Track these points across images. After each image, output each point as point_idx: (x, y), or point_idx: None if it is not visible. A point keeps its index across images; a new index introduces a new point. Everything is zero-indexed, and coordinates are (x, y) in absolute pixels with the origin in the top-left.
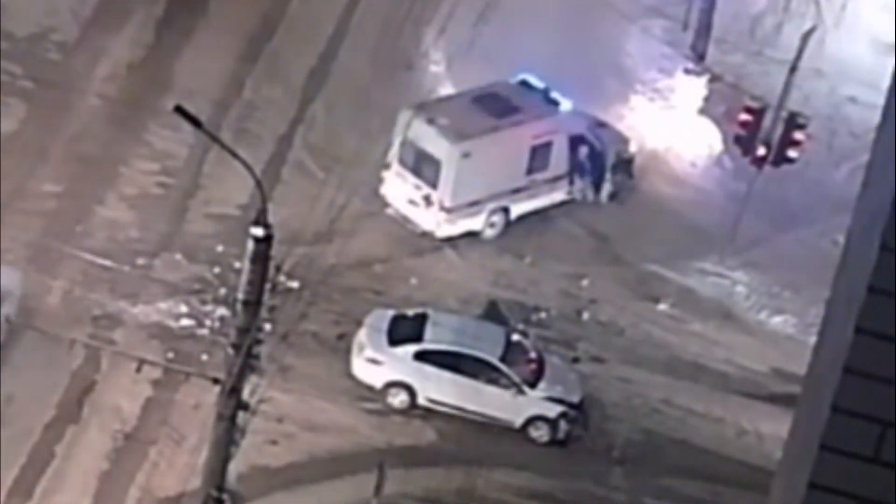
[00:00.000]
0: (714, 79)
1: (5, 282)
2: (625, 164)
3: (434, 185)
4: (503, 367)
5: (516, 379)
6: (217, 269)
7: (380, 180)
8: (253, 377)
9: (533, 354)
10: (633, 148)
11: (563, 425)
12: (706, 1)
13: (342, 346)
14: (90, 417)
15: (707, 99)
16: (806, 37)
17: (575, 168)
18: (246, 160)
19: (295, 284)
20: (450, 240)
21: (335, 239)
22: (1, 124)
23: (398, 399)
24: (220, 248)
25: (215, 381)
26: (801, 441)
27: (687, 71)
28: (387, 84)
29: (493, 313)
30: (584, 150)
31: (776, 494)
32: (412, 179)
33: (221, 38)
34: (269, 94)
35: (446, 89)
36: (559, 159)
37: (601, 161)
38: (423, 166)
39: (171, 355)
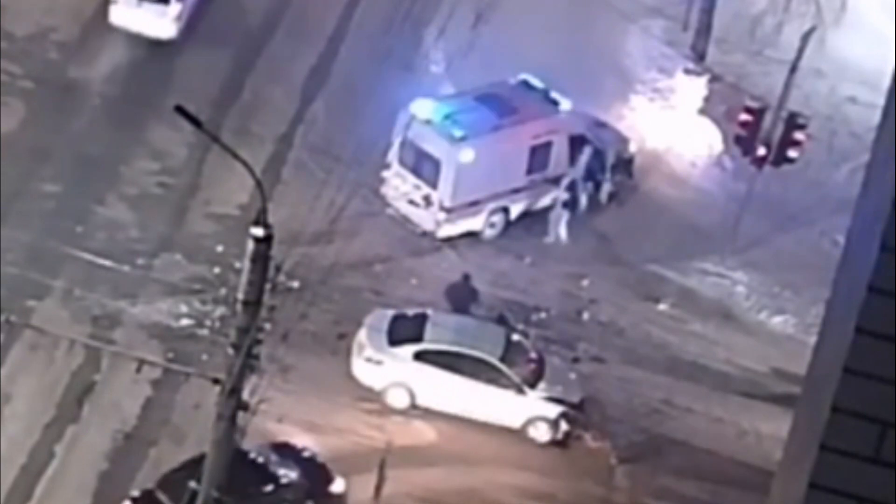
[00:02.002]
0: (714, 79)
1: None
2: (625, 164)
3: (434, 185)
4: (503, 367)
5: (516, 379)
6: (217, 269)
7: (380, 180)
8: (253, 377)
9: (533, 354)
10: (633, 148)
11: (563, 425)
12: (706, 1)
13: (342, 346)
14: (90, 417)
15: (707, 99)
16: (806, 37)
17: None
18: (246, 160)
19: (295, 284)
20: (450, 240)
21: (335, 239)
22: (1, 124)
23: (398, 399)
24: (220, 248)
25: (215, 381)
26: (801, 441)
27: (687, 71)
28: (387, 84)
29: (464, 286)
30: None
31: (776, 494)
32: (412, 179)
33: (221, 38)
34: (269, 94)
35: (446, 89)
36: (559, 159)
37: (600, 166)
38: (423, 166)
39: (171, 355)
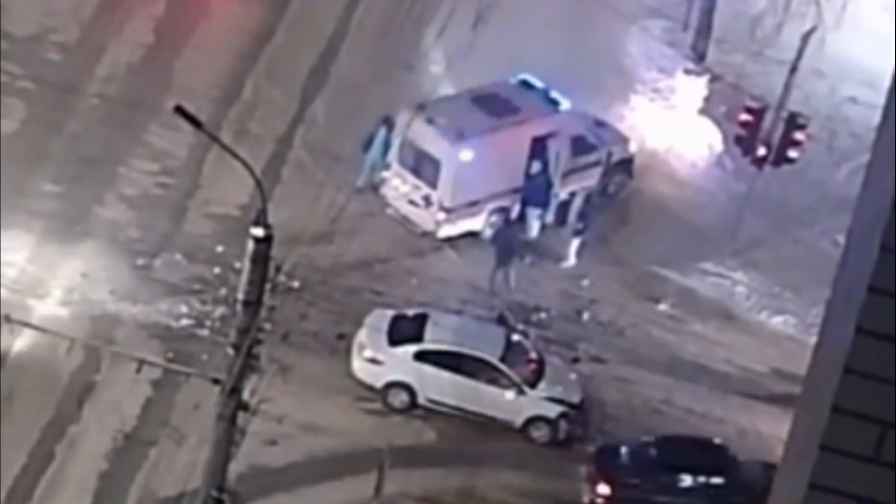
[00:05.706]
0: (714, 79)
1: None
2: (625, 164)
3: (434, 185)
4: (503, 367)
5: (516, 379)
6: (217, 269)
7: (380, 180)
8: (253, 377)
9: (533, 354)
10: (633, 148)
11: (563, 425)
12: (706, 1)
13: (342, 346)
14: (90, 417)
15: (707, 99)
16: (806, 37)
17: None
18: (246, 160)
19: (295, 284)
20: (450, 240)
21: (335, 239)
22: (1, 124)
23: (398, 399)
24: (220, 248)
25: (215, 381)
26: (801, 441)
27: (687, 71)
28: (387, 84)
29: (509, 232)
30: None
31: (776, 494)
32: (412, 179)
33: (221, 38)
34: (269, 94)
35: (446, 89)
36: (559, 159)
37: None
38: (422, 166)
39: (171, 355)
